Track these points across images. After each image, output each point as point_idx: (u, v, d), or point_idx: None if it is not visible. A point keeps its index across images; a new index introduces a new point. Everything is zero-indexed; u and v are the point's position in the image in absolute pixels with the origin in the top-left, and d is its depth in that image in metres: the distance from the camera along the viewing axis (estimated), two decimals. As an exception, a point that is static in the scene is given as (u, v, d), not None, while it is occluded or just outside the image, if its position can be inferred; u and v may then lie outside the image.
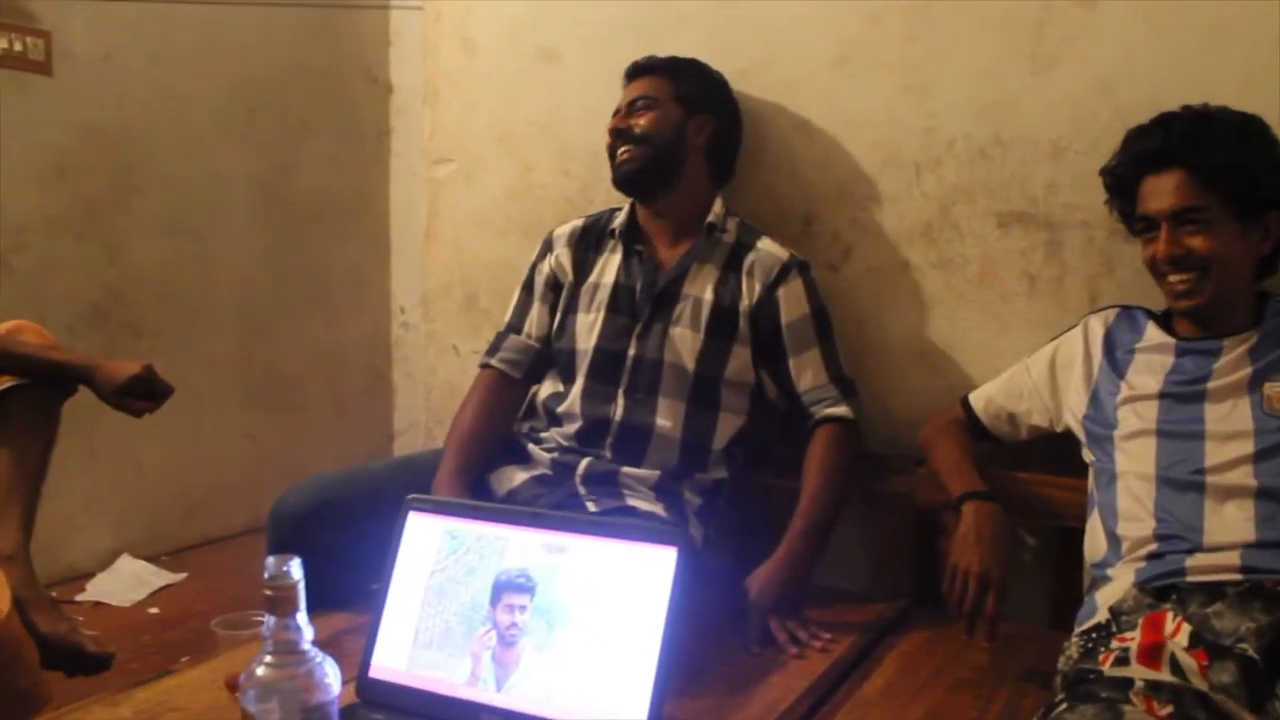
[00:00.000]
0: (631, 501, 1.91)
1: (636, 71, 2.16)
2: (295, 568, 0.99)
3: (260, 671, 0.98)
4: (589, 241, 2.14)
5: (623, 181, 2.08)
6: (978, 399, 1.99)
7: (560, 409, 2.03)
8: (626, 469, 1.95)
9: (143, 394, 1.92)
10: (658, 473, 1.95)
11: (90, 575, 3.13)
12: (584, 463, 1.96)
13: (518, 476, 1.99)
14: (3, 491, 1.79)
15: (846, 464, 1.97)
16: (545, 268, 2.16)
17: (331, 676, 1.00)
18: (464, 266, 2.68)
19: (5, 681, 1.53)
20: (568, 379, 2.06)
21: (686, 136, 2.08)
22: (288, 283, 3.65)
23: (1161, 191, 1.67)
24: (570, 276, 2.12)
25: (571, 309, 2.09)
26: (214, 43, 3.39)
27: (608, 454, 1.97)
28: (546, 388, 2.10)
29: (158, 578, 3.21)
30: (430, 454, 2.05)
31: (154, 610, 3.03)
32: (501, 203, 2.60)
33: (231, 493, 3.54)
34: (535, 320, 2.15)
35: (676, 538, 1.31)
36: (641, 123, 2.07)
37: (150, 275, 3.28)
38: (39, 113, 3.01)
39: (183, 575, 3.26)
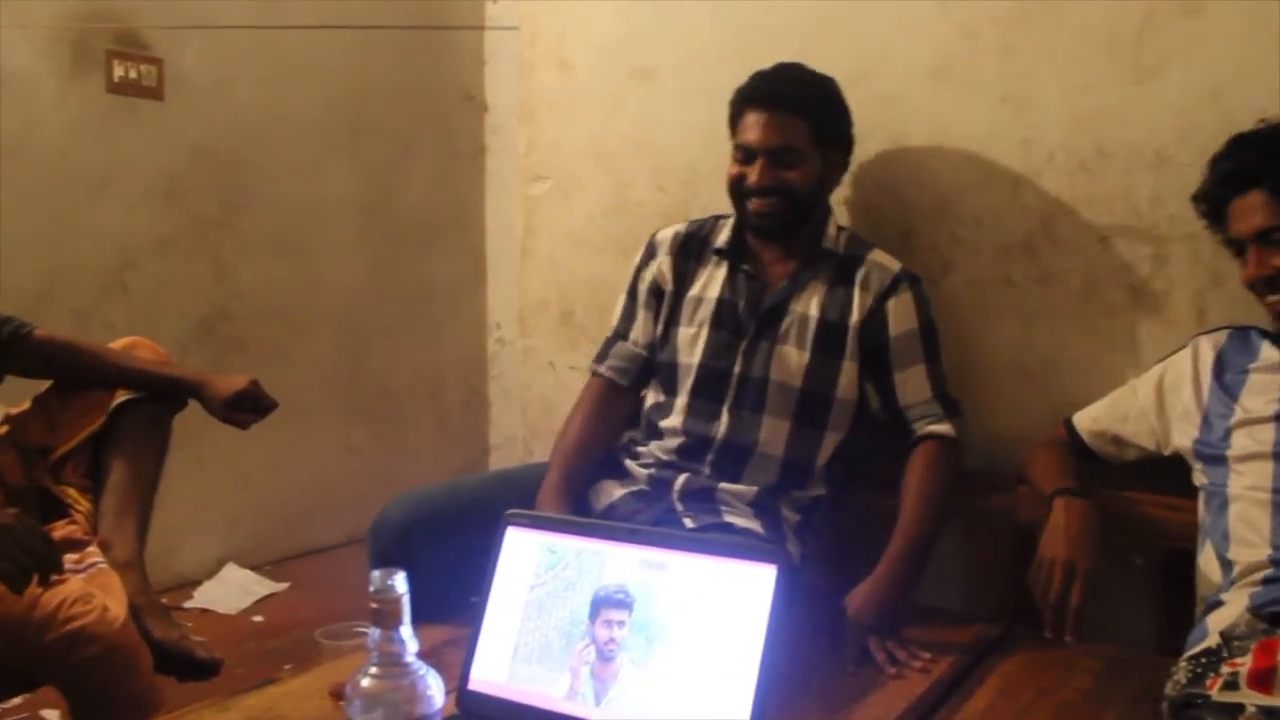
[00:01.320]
0: (729, 518, 1.91)
1: (774, 103, 1.98)
2: (400, 581, 1.01)
3: (365, 683, 1.00)
4: (690, 250, 2.12)
5: (759, 230, 2.03)
6: (1082, 419, 1.95)
7: (663, 423, 2.03)
8: (724, 485, 1.95)
9: (249, 408, 1.97)
10: (755, 489, 1.95)
11: (197, 583, 3.22)
12: (681, 479, 1.96)
13: (615, 492, 2.00)
14: (119, 501, 1.85)
15: (947, 482, 1.94)
16: (648, 275, 2.15)
17: (435, 688, 1.02)
18: (560, 283, 2.71)
19: (122, 685, 1.59)
20: (671, 392, 2.06)
21: (828, 180, 2.05)
22: (388, 299, 3.72)
23: (1245, 212, 1.64)
24: (671, 285, 2.11)
25: (674, 321, 2.09)
26: (317, 66, 3.47)
27: (706, 470, 1.97)
28: (649, 398, 2.10)
29: (261, 586, 3.29)
30: (528, 469, 2.08)
31: (258, 618, 3.10)
32: (597, 219, 2.63)
33: (333, 504, 3.61)
34: (641, 327, 2.15)
35: (776, 555, 1.31)
36: (789, 177, 1.97)
37: (256, 292, 3.38)
38: (151, 137, 3.11)
39: (285, 585, 3.34)
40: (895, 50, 2.22)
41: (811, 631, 1.75)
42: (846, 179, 2.24)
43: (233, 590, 3.23)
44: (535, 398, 2.79)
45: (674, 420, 2.02)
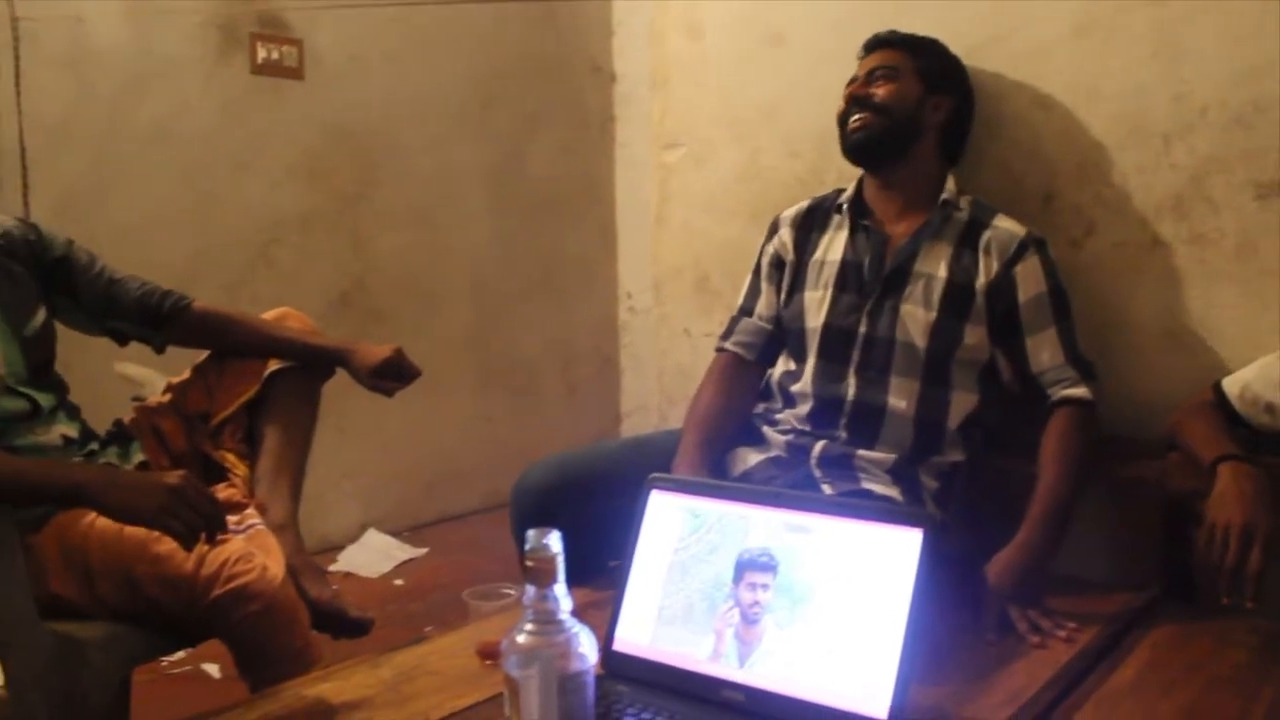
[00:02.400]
0: (867, 485, 1.90)
1: (876, 44, 2.13)
2: (555, 540, 1.03)
3: (521, 639, 1.03)
4: (813, 221, 2.13)
5: (853, 148, 2.07)
6: (1232, 385, 1.88)
7: (794, 388, 2.03)
8: (862, 452, 1.94)
9: (394, 376, 2.03)
10: (894, 456, 1.93)
11: (340, 548, 3.34)
12: (819, 445, 1.95)
13: (752, 458, 2.00)
14: (274, 466, 1.92)
15: (1086, 448, 1.90)
16: (770, 249, 2.17)
17: (587, 646, 1.04)
18: (694, 249, 2.72)
19: (282, 640, 1.66)
20: (799, 358, 2.06)
21: (924, 113, 2.06)
22: (519, 270, 3.78)
23: None
24: (792, 255, 2.12)
25: (798, 286, 2.09)
26: (448, 40, 3.54)
27: (842, 434, 1.96)
28: (780, 366, 2.11)
29: (401, 551, 3.39)
30: (665, 435, 2.09)
31: (399, 582, 3.20)
32: (731, 185, 2.62)
33: (469, 472, 3.70)
34: (765, 301, 2.16)
35: (922, 519, 1.30)
36: (880, 92, 2.04)
37: (392, 265, 3.46)
38: (293, 115, 3.21)
39: (424, 550, 3.43)
40: (1036, 7, 2.16)
41: (950, 599, 1.73)
42: (985, 140, 2.19)
43: (374, 555, 3.33)
44: (670, 365, 2.81)
45: (804, 385, 2.01)
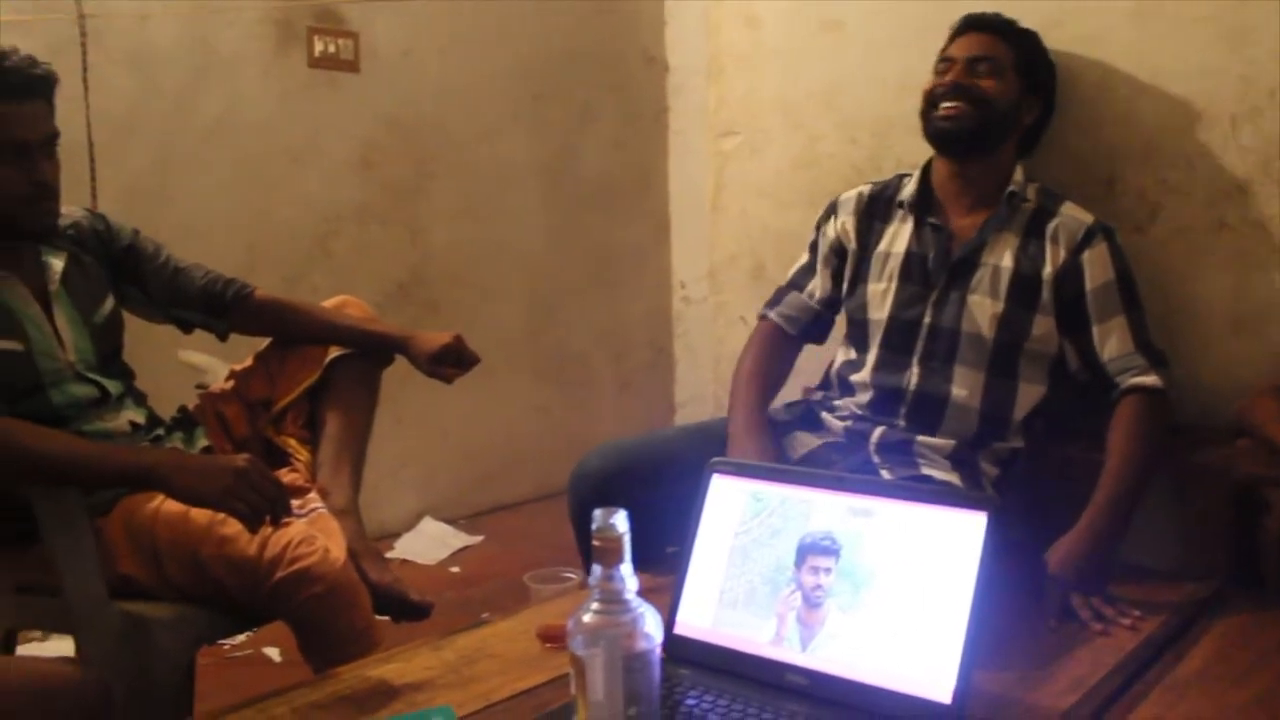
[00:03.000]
0: (926, 470, 1.89)
1: (977, 25, 2.06)
2: (621, 520, 1.03)
3: (587, 619, 1.03)
4: (875, 210, 2.11)
5: (941, 135, 2.01)
6: None
7: (854, 378, 2.02)
8: (922, 438, 1.92)
9: (453, 362, 2.04)
10: (953, 442, 1.92)
11: (397, 535, 3.37)
12: (878, 431, 1.94)
13: (810, 443, 2.00)
14: (335, 451, 1.94)
15: (1155, 436, 1.87)
16: (830, 231, 2.15)
17: (653, 626, 1.04)
18: (751, 238, 2.71)
19: (345, 622, 1.67)
20: (861, 348, 2.05)
21: (1019, 113, 2.02)
22: (572, 261, 3.79)
23: None
24: (854, 244, 2.10)
25: (861, 278, 2.08)
26: (500, 33, 3.55)
27: (901, 423, 1.95)
28: (840, 356, 2.10)
29: (457, 539, 3.42)
30: (722, 421, 2.08)
31: (455, 569, 3.22)
32: (788, 173, 2.61)
33: (523, 461, 3.72)
34: (818, 283, 2.15)
35: (986, 502, 1.29)
36: (986, 85, 1.98)
37: (446, 256, 3.49)
38: (349, 108, 3.24)
39: (479, 538, 3.46)
40: (1097, -12, 2.14)
41: (1011, 585, 1.72)
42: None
43: (431, 542, 3.36)
44: (727, 353, 2.80)
45: (864, 375, 2.01)
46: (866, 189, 2.15)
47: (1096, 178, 2.16)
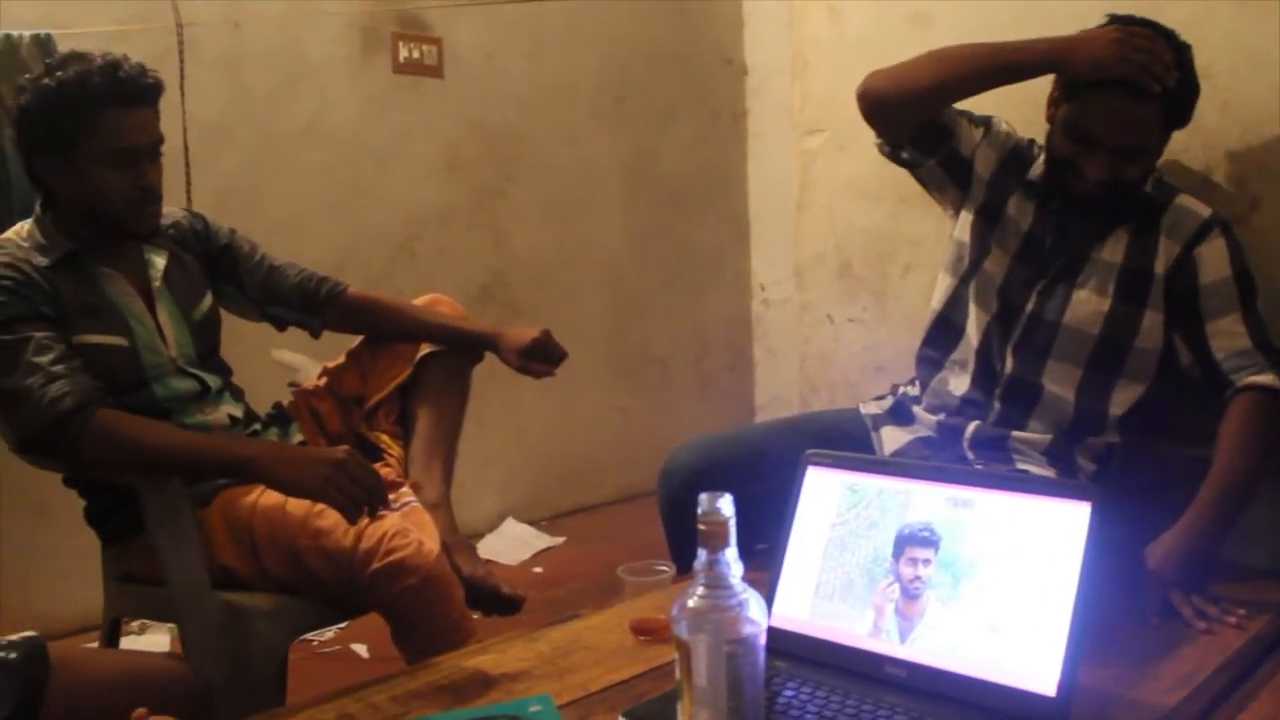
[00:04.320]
0: (1022, 466, 1.86)
1: (1136, 95, 1.78)
2: (726, 504, 1.03)
3: (692, 603, 1.03)
4: (1012, 165, 2.02)
5: (1083, 204, 1.89)
6: None
7: (954, 355, 1.99)
8: (1017, 434, 1.89)
9: (541, 357, 2.05)
10: (1049, 437, 1.89)
11: (480, 536, 3.40)
12: (972, 426, 1.92)
13: (901, 437, 1.98)
14: (427, 447, 1.97)
15: (1268, 436, 1.81)
16: (974, 137, 2.02)
17: (757, 611, 1.03)
18: (837, 236, 2.69)
19: (438, 614, 1.69)
20: (963, 317, 2.00)
21: (1160, 151, 1.90)
22: (653, 263, 3.80)
23: None
24: (985, 193, 2.01)
25: (988, 227, 2.00)
26: (582, 36, 3.58)
27: (996, 405, 1.92)
28: (941, 289, 2.04)
29: (539, 540, 3.44)
30: (811, 416, 2.08)
31: (537, 569, 3.24)
32: (876, 170, 2.58)
33: (603, 463, 3.73)
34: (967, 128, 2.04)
35: (1090, 493, 1.27)
36: (1129, 172, 1.84)
37: (528, 259, 3.52)
38: (433, 113, 3.29)
39: (561, 539, 3.47)
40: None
41: (1109, 581, 1.68)
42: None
43: (513, 543, 3.39)
44: (812, 352, 2.79)
45: (974, 334, 1.97)
46: (1015, 133, 2.05)
47: (1193, 168, 2.11)
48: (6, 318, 1.66)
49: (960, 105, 2.00)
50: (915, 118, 1.98)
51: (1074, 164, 1.85)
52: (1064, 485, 1.34)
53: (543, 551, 3.39)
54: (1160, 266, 1.87)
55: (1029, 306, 1.94)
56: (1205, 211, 1.90)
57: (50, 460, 1.69)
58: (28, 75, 1.76)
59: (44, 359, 1.63)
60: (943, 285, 2.06)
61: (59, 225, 1.77)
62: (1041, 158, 2.00)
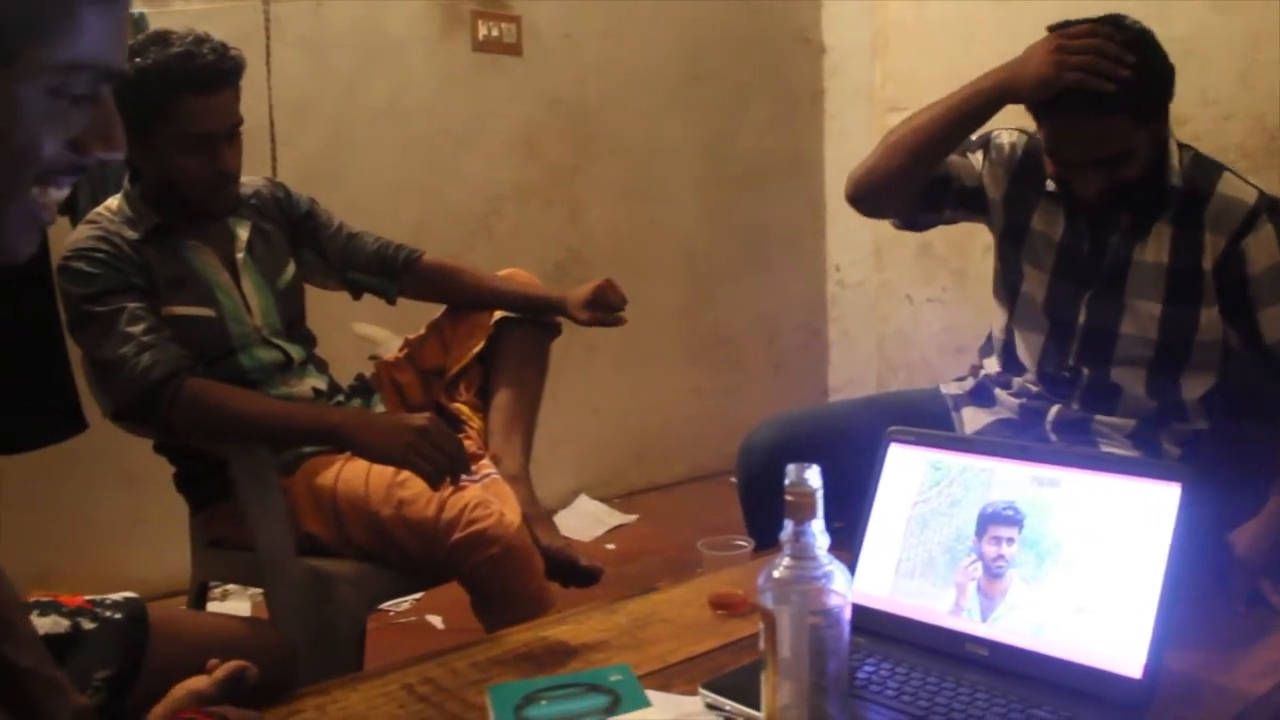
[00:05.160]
0: (1107, 449, 1.83)
1: (1088, 110, 1.69)
2: (814, 475, 1.03)
3: (777, 574, 1.03)
4: (1026, 174, 1.92)
5: (1088, 209, 1.83)
6: None
7: (1021, 357, 1.96)
8: (1101, 417, 1.86)
9: (603, 305, 2.04)
10: (1134, 421, 1.85)
11: (554, 512, 3.42)
12: (1054, 409, 1.89)
13: (981, 419, 1.95)
14: (507, 419, 1.99)
15: None
16: (973, 165, 1.95)
17: (842, 583, 1.03)
18: (917, 215, 2.66)
19: (518, 583, 1.71)
20: (1022, 325, 1.97)
21: (1159, 147, 1.79)
22: (728, 243, 3.79)
23: None
24: (1003, 210, 1.94)
25: (1018, 256, 1.95)
26: (659, 16, 3.57)
27: (1076, 405, 1.89)
28: (999, 317, 2.01)
29: (611, 517, 3.46)
30: (893, 395, 2.07)
31: (610, 546, 3.26)
32: (956, 148, 2.56)
33: (676, 442, 3.74)
34: (960, 167, 1.95)
35: (1180, 473, 1.24)
36: (1120, 176, 1.75)
37: (604, 237, 3.53)
38: (512, 91, 3.30)
39: (634, 517, 3.49)
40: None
41: (1195, 567, 1.65)
42: (1196, 102, 2.04)
43: (586, 519, 3.41)
44: (891, 331, 2.77)
45: (1031, 360, 1.94)
46: (1021, 144, 1.95)
47: (1248, 130, 2.03)
48: (100, 289, 1.71)
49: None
50: (907, 193, 1.93)
51: (1067, 184, 1.80)
52: (1153, 465, 1.31)
53: (615, 528, 3.42)
54: (1208, 262, 1.79)
55: (1081, 319, 1.88)
56: (1250, 197, 1.79)
57: (143, 427, 1.74)
58: None
59: (136, 329, 1.68)
60: (1000, 315, 2.02)
61: (147, 200, 1.81)
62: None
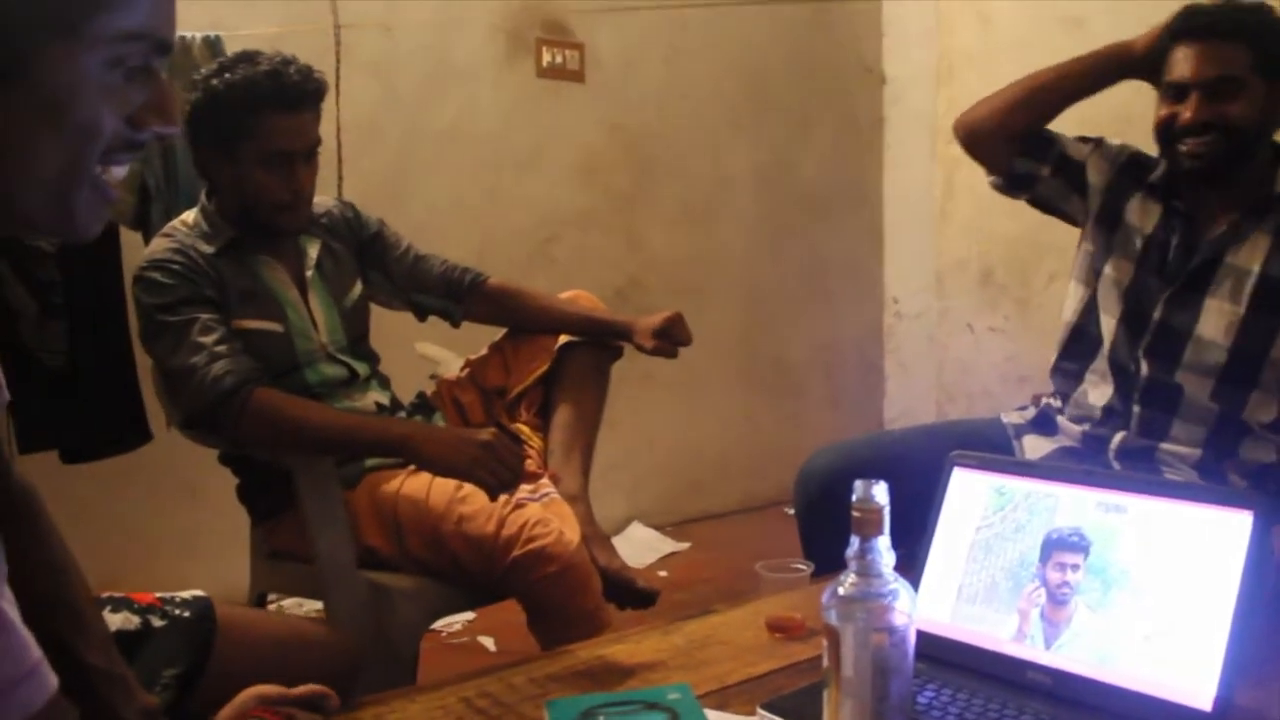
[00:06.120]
0: (1171, 478, 1.80)
1: (1203, 31, 1.79)
2: (881, 491, 1.02)
3: (842, 591, 1.03)
4: (1132, 169, 1.98)
5: (1194, 176, 1.85)
6: None
7: (1091, 334, 1.94)
8: (1165, 445, 1.84)
9: (669, 338, 2.05)
10: (1199, 451, 1.82)
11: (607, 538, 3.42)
12: (1118, 437, 1.87)
13: (1042, 446, 1.94)
14: (566, 439, 2.00)
15: None
16: (1081, 148, 2.02)
17: (907, 602, 1.02)
18: (979, 244, 2.66)
19: (575, 602, 1.72)
20: (1095, 323, 1.96)
21: (1273, 117, 1.82)
22: (786, 272, 3.79)
23: None
24: (1100, 197, 1.98)
25: (1108, 245, 1.96)
26: (721, 43, 3.59)
27: (1136, 410, 1.86)
28: (1075, 300, 2.01)
29: (664, 545, 3.46)
30: (950, 423, 2.05)
31: (663, 574, 3.25)
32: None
33: (731, 471, 3.73)
34: (1068, 148, 2.03)
35: (1253, 501, 1.22)
36: (1227, 111, 1.76)
37: (663, 263, 3.54)
38: (573, 117, 3.34)
39: (686, 544, 3.48)
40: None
41: (1269, 599, 1.62)
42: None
43: (639, 547, 3.41)
44: (951, 360, 2.76)
45: (1101, 362, 1.92)
46: (1130, 148, 2.01)
47: None
48: (174, 299, 1.75)
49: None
50: (1014, 128, 2.00)
51: (1171, 127, 1.82)
52: (1224, 492, 1.29)
53: (668, 556, 3.41)
54: None
55: (1157, 314, 1.87)
56: None
57: (211, 436, 1.77)
58: (201, 71, 1.85)
59: (208, 339, 1.71)
60: (1075, 295, 2.01)
61: (222, 215, 1.85)
62: (1163, 164, 1.93)
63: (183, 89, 1.89)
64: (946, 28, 2.70)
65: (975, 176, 2.66)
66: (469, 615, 2.79)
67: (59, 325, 2.39)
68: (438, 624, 2.66)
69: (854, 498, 1.02)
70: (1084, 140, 2.03)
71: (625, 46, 3.42)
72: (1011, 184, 2.06)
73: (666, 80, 3.50)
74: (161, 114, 0.79)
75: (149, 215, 2.46)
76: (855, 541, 1.03)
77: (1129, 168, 1.99)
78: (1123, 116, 2.27)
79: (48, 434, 2.47)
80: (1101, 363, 1.94)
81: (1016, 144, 2.00)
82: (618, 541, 3.39)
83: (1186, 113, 1.79)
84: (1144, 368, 1.88)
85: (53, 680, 0.72)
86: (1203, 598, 1.22)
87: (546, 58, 3.28)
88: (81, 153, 0.75)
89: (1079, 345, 1.99)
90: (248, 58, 1.79)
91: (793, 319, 3.83)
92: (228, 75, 1.75)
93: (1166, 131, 1.84)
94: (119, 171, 0.80)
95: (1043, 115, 1.99)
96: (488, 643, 2.73)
